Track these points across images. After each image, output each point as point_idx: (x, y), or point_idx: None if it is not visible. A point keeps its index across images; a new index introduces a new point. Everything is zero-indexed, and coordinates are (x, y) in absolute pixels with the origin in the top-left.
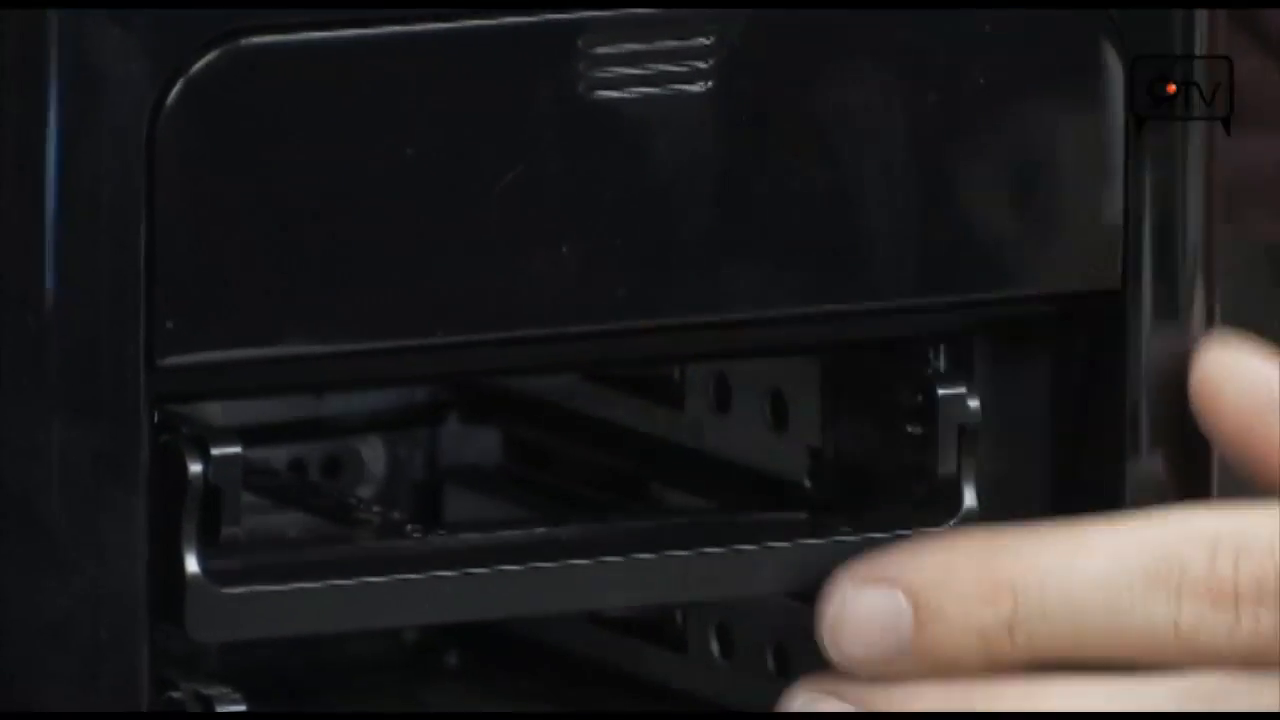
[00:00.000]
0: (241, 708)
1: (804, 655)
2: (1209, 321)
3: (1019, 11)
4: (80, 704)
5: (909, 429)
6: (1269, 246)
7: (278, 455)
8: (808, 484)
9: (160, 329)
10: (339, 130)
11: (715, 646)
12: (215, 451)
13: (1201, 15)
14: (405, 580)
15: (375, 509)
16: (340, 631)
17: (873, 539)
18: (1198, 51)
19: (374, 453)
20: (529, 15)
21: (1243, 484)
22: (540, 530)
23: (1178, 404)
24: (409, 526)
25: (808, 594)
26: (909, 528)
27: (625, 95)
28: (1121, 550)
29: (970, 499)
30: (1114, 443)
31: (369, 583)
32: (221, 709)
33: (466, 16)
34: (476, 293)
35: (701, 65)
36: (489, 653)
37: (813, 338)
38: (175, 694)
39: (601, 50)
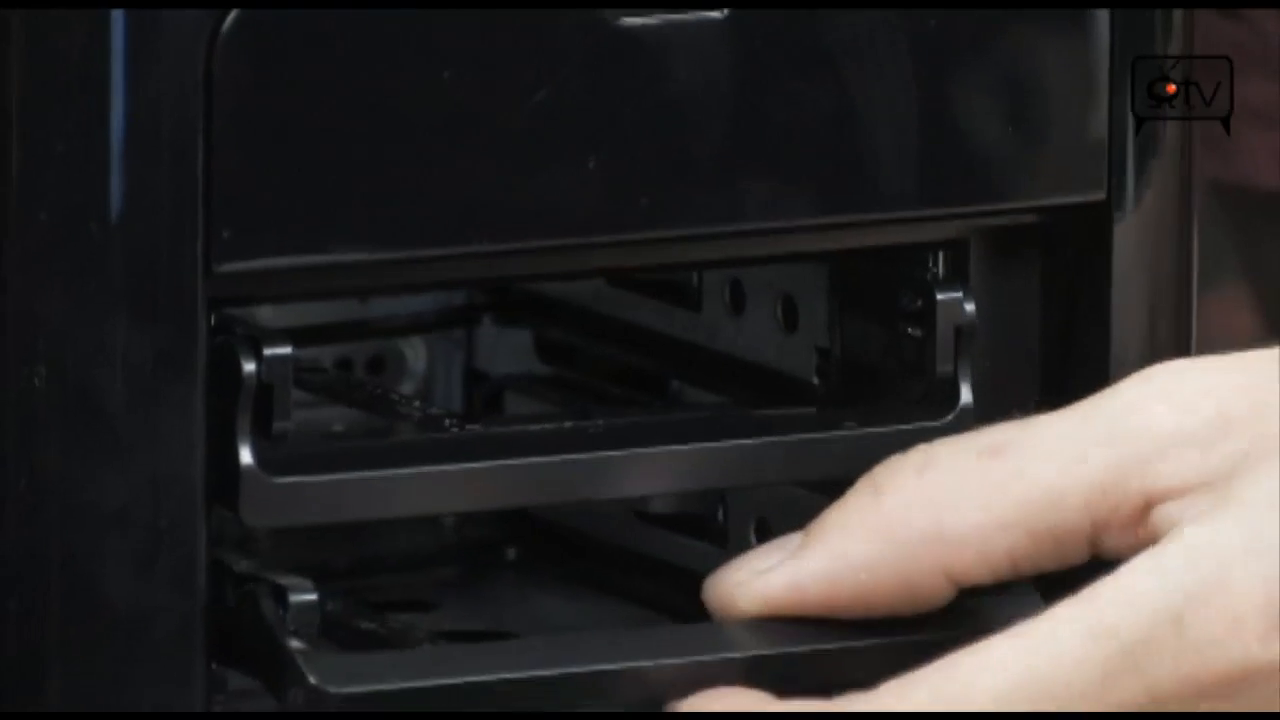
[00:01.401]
0: (313, 596)
1: None
2: (1187, 230)
3: None
4: (141, 584)
5: (910, 330)
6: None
7: (326, 354)
8: (816, 381)
9: (217, 238)
10: (383, 54)
11: (754, 540)
12: (268, 351)
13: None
14: (444, 470)
15: (416, 404)
16: (382, 518)
17: (875, 433)
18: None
19: (415, 352)
20: None
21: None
22: (569, 424)
23: (1154, 306)
24: (447, 420)
25: (815, 483)
26: (909, 422)
27: (648, 20)
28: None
29: (966, 396)
30: (1098, 342)
31: (410, 472)
32: (295, 598)
33: None
34: (509, 204)
35: None
36: (544, 547)
37: (821, 245)
38: (248, 586)
39: None
